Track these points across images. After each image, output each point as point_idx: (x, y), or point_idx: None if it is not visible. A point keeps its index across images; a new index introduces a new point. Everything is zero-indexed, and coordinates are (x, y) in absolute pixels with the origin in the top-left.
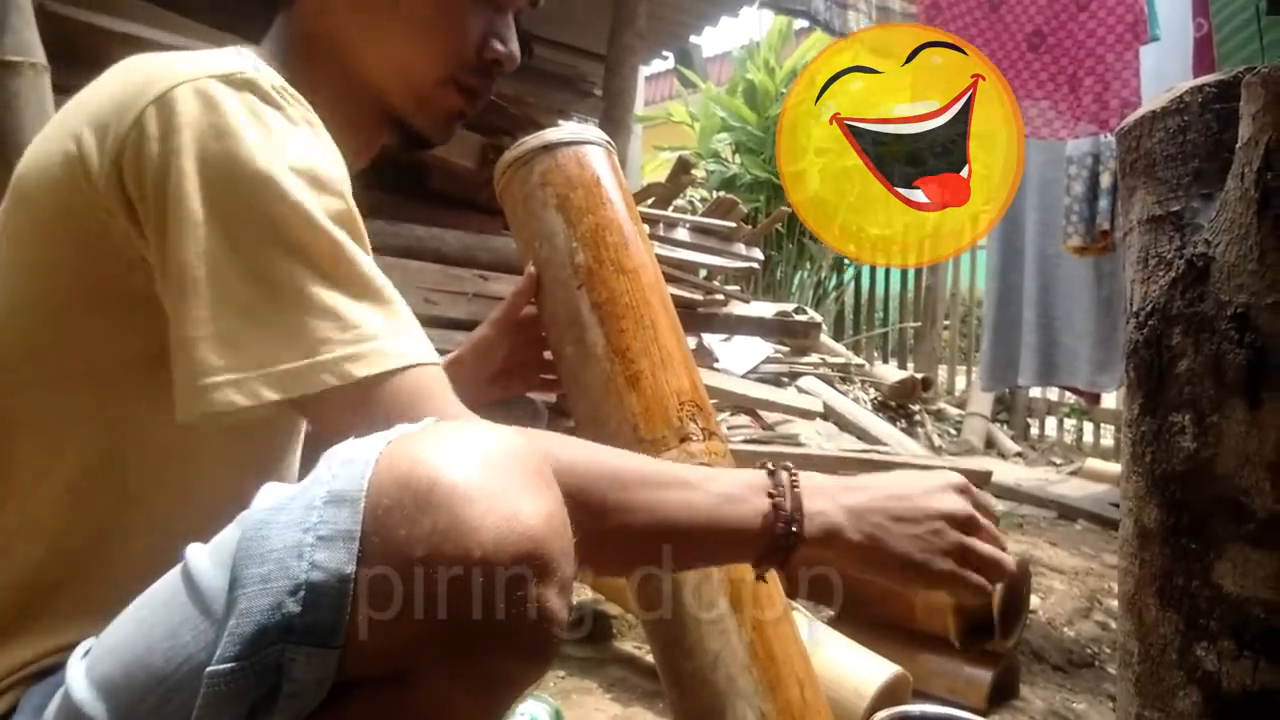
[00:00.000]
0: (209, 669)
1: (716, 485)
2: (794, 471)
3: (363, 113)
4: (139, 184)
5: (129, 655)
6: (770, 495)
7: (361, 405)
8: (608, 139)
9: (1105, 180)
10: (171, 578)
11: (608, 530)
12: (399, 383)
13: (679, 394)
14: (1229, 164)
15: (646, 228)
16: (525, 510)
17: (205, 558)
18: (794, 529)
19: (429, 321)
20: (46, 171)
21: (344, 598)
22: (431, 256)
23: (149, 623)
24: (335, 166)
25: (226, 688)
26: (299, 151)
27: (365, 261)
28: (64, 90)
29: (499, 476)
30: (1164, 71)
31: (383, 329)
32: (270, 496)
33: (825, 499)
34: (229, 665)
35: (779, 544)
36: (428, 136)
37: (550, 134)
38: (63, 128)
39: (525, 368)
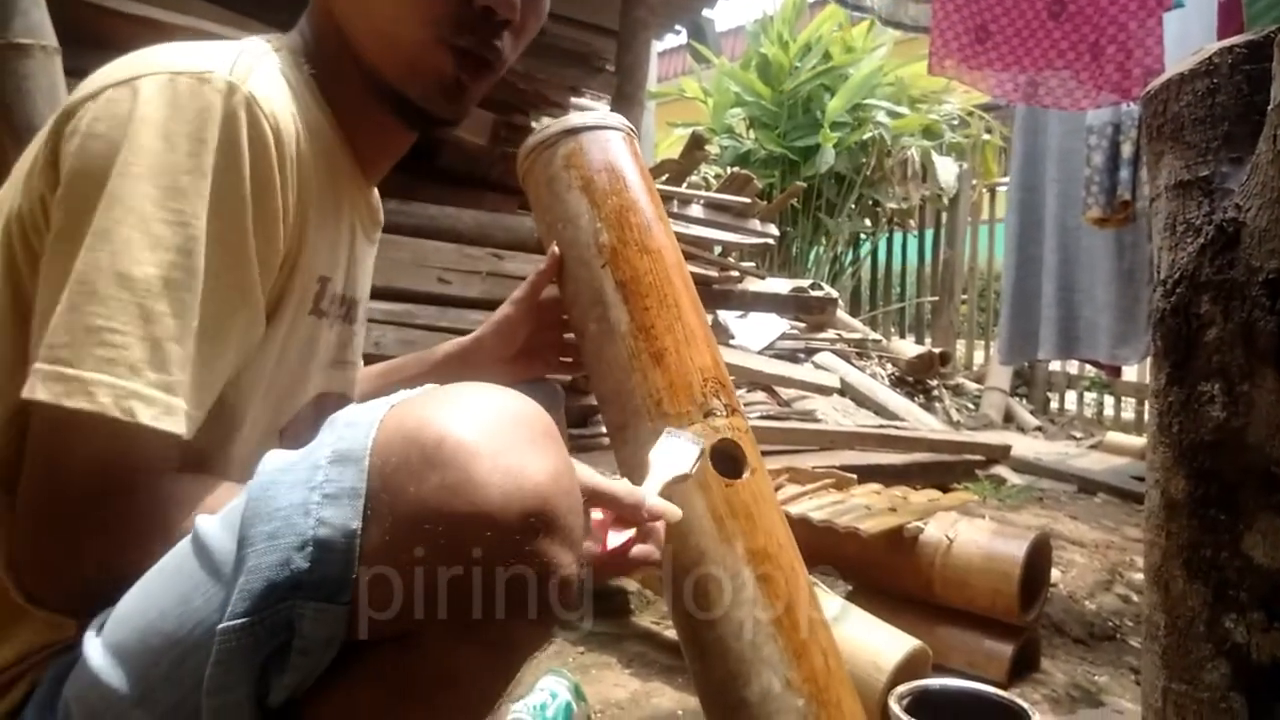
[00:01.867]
0: (220, 625)
1: None
2: None
3: (376, 100)
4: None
5: (142, 623)
6: None
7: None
8: (629, 124)
9: (1126, 150)
10: (181, 548)
11: None
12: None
13: (702, 371)
14: (1260, 127)
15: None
16: (532, 466)
17: (215, 525)
18: None
19: (443, 301)
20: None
21: (350, 553)
22: (446, 236)
23: (160, 591)
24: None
25: (238, 643)
26: (187, 179)
27: (192, 302)
28: (75, 73)
29: (505, 433)
30: (1188, 38)
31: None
32: (275, 460)
33: None
34: (240, 621)
35: None
36: (427, 109)
37: (574, 118)
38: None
39: (546, 349)
